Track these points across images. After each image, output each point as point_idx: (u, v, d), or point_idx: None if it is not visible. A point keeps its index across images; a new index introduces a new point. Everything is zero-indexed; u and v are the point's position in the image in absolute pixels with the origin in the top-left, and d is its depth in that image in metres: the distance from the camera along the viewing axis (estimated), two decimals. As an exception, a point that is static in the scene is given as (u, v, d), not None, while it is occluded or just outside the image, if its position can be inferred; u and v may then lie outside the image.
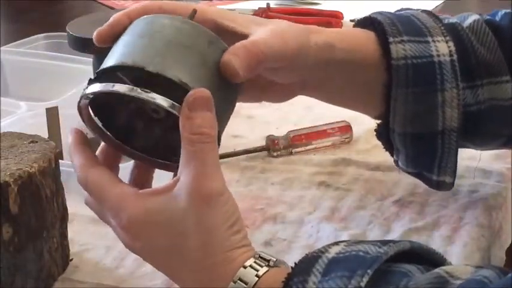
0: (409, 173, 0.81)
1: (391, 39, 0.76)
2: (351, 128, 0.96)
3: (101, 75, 0.65)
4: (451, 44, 0.77)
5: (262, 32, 0.70)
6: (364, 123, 0.93)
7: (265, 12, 1.39)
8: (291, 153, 0.94)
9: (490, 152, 0.89)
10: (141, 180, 0.70)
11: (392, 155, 0.81)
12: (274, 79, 0.75)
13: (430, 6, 1.49)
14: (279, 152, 0.94)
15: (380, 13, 0.79)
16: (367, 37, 0.77)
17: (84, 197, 0.68)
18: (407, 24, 0.77)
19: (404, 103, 0.76)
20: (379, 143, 0.82)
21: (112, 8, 1.54)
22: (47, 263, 0.71)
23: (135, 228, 0.64)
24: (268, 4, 1.42)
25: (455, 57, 0.76)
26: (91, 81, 0.65)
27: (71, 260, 0.76)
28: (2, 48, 1.20)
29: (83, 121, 0.68)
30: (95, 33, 0.69)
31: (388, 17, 0.78)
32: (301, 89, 0.78)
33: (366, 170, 0.89)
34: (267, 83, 0.76)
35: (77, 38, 0.93)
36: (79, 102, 0.67)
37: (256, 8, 1.42)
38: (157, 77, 0.63)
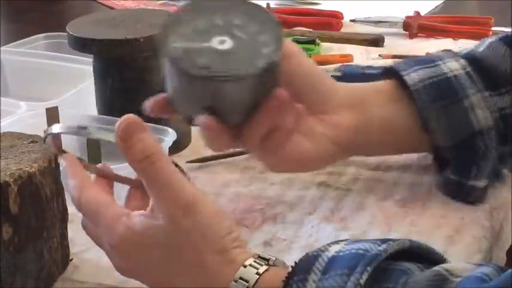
0: (443, 188, 0.83)
1: (403, 73, 0.81)
2: (351, 128, 0.96)
3: None
4: (462, 60, 0.81)
5: None
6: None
7: (265, 13, 1.39)
8: (291, 153, 0.94)
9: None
10: (136, 198, 0.70)
11: None
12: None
13: (430, 6, 1.49)
14: (279, 152, 0.94)
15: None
16: (388, 83, 0.83)
17: (81, 221, 0.70)
18: (417, 60, 0.83)
19: (437, 119, 0.79)
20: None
21: (112, 8, 1.54)
22: (47, 263, 0.71)
23: (124, 248, 0.65)
24: (268, 4, 1.41)
25: (469, 68, 0.80)
26: None
27: (71, 260, 0.76)
28: (2, 48, 1.19)
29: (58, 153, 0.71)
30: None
31: (400, 62, 0.83)
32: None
33: (366, 170, 0.89)
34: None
35: (77, 38, 0.93)
36: (44, 139, 0.70)
37: (256, 8, 1.41)
38: None
